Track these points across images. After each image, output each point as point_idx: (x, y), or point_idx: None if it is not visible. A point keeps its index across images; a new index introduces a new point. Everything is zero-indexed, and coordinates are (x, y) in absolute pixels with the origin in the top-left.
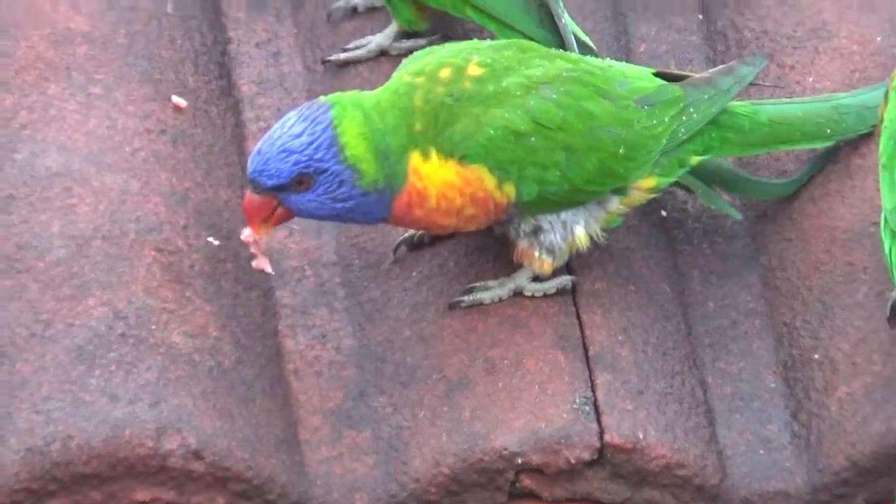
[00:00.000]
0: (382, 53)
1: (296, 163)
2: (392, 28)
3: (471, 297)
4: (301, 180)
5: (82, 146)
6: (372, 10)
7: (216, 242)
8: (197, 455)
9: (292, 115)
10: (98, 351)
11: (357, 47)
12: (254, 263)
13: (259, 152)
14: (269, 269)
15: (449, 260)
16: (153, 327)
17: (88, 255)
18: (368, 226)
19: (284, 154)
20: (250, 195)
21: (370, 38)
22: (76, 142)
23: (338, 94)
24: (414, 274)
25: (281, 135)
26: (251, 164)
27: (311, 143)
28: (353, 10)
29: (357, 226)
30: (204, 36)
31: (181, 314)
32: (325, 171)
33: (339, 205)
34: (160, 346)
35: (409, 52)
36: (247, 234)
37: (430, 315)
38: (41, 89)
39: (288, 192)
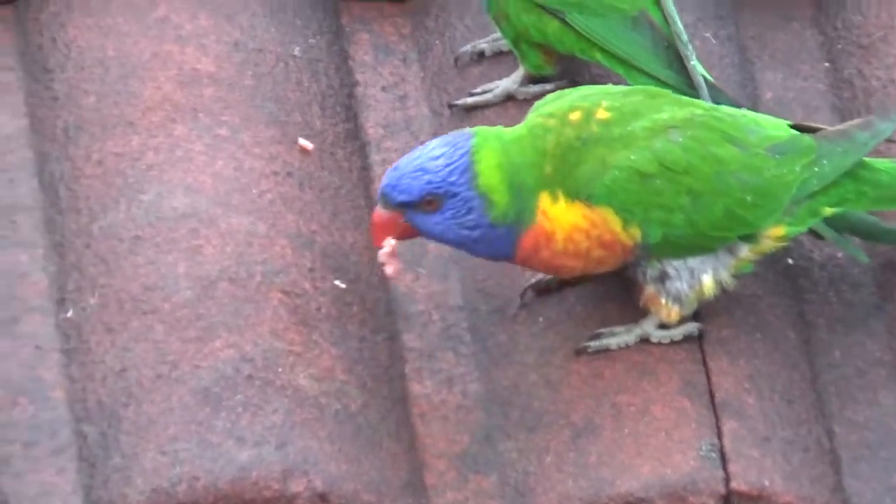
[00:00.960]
0: (509, 98)
1: (428, 182)
2: (519, 73)
3: (597, 343)
4: (430, 200)
5: (209, 187)
6: (499, 54)
7: (343, 285)
8: (323, 498)
9: (436, 140)
10: (224, 393)
11: (484, 91)
12: (387, 271)
13: (396, 168)
14: (395, 274)
15: (576, 305)
16: (280, 370)
17: (215, 296)
18: (494, 268)
19: (419, 172)
20: (379, 210)
21: (497, 82)
22: (203, 183)
23: (482, 126)
24: (541, 319)
25: (420, 155)
26: (386, 178)
27: (446, 166)
28: (481, 55)
29: (484, 270)
30: (331, 79)
31: (308, 357)
32: (455, 195)
33: (465, 232)
34: (287, 388)
35: (536, 96)
36: (384, 252)
37: (557, 360)
38: (168, 130)
39: (416, 211)
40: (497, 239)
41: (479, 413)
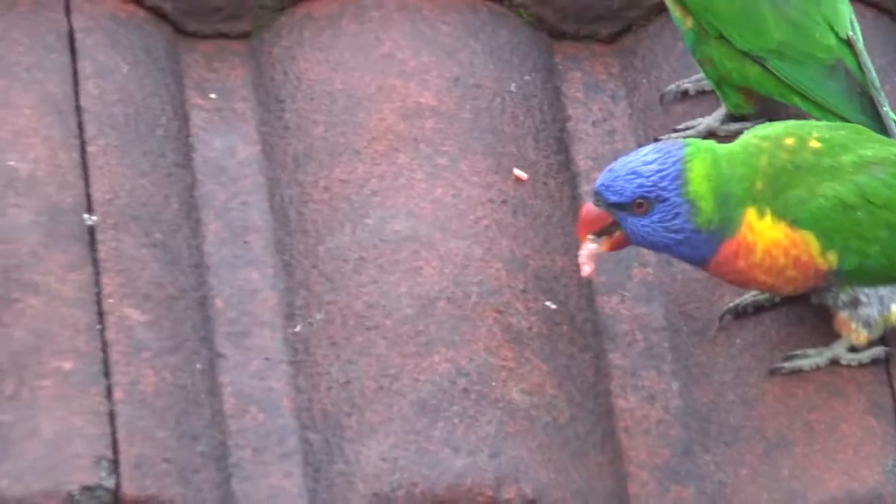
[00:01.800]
0: (711, 135)
1: (640, 185)
2: (721, 111)
3: (791, 364)
4: (641, 203)
5: (428, 213)
6: (702, 93)
7: (553, 306)
8: (532, 503)
9: (649, 147)
10: (441, 404)
11: (687, 128)
12: (584, 270)
13: (610, 170)
14: (590, 274)
15: (770, 329)
16: (493, 384)
17: (433, 314)
18: (694, 293)
19: (633, 176)
20: (589, 206)
21: (700, 119)
22: (423, 209)
23: (695, 139)
24: (738, 341)
25: (634, 160)
26: (600, 178)
27: (658, 172)
28: (685, 94)
29: (685, 294)
30: (544, 113)
31: (519, 372)
32: (665, 199)
33: (671, 235)
34: (500, 401)
35: (736, 134)
36: (584, 253)
37: (752, 379)
38: (391, 159)
39: (626, 213)
40: (699, 244)
41: (678, 428)
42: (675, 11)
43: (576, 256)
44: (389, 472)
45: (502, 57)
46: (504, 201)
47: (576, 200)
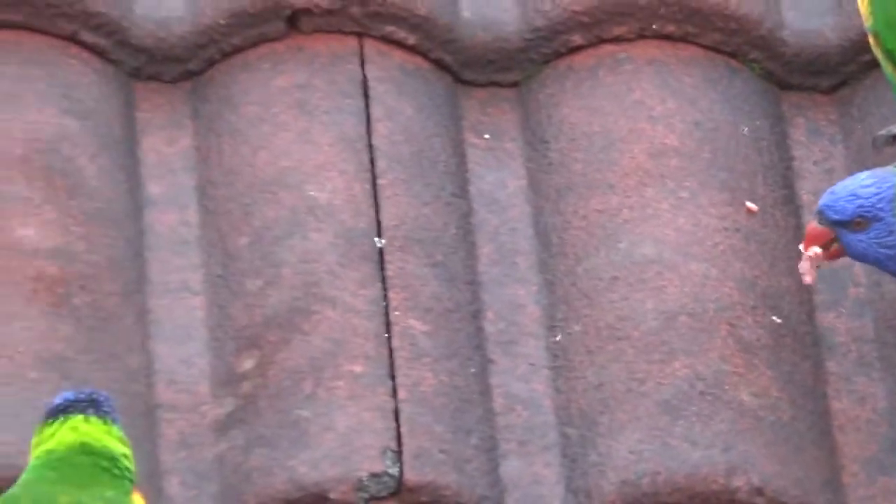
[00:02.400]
0: None
1: (859, 206)
2: None
3: None
4: (859, 221)
5: (672, 239)
6: None
7: (778, 321)
8: (759, 492)
9: (866, 172)
10: (681, 405)
11: None
12: (805, 279)
13: (832, 192)
14: (811, 282)
15: None
16: (726, 387)
17: (675, 327)
18: None
19: (852, 197)
20: (813, 224)
21: None
22: (667, 235)
23: None
24: None
25: (852, 183)
26: (823, 199)
27: (876, 194)
28: (894, 138)
29: (892, 311)
30: (772, 154)
31: (749, 378)
32: (881, 219)
33: (884, 251)
34: (731, 402)
35: None
36: (804, 265)
37: None
38: (640, 192)
39: (846, 229)
40: None
41: (885, 426)
42: (888, 68)
43: (798, 277)
44: (636, 462)
45: (736, 105)
46: (737, 229)
47: (799, 230)
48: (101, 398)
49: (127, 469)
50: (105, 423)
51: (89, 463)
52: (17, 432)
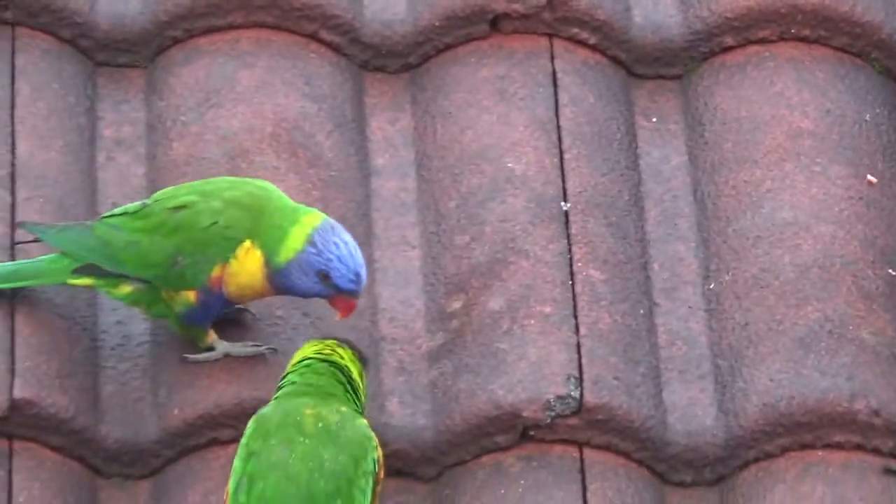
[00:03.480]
0: None
1: None
2: None
3: None
4: None
5: (806, 206)
6: None
7: (893, 273)
8: (876, 413)
9: None
10: (813, 342)
11: None
12: None
13: None
14: None
15: None
16: (850, 327)
17: (809, 277)
18: None
19: None
20: None
21: None
22: (802, 202)
23: None
24: None
25: None
26: None
27: None
28: None
29: None
30: (889, 136)
31: (868, 320)
32: None
33: None
34: (854, 340)
35: None
36: None
37: None
38: (780, 167)
39: None
40: None
41: None
42: None
43: None
44: (775, 388)
45: (860, 95)
46: (860, 198)
47: None
48: (361, 348)
49: (357, 393)
50: (354, 356)
51: (330, 373)
52: None
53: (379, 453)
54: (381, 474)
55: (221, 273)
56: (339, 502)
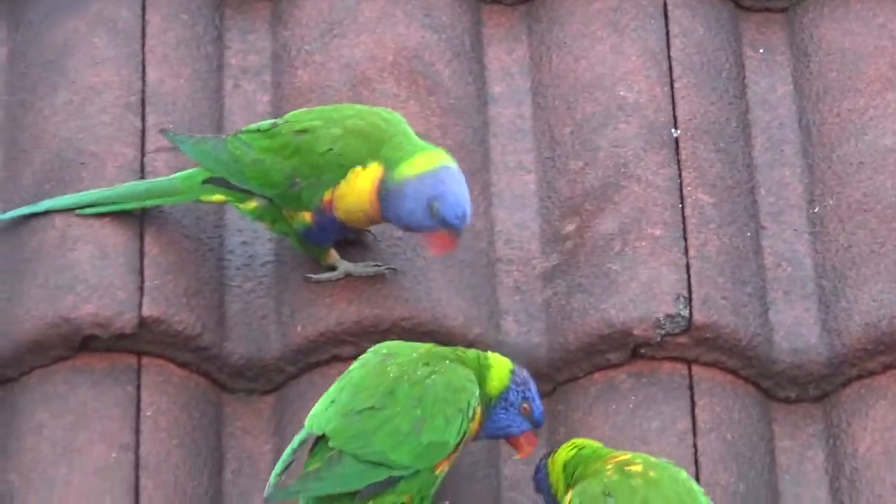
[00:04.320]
0: None
1: None
2: None
3: None
4: None
5: None
6: None
7: None
8: None
9: None
10: None
11: None
12: None
13: None
14: None
15: None
16: None
17: None
18: None
19: None
20: None
21: None
22: None
23: None
24: None
25: None
26: None
27: None
28: None
29: None
30: None
31: None
32: None
33: None
34: None
35: None
36: None
37: None
38: (882, 96)
39: None
40: None
41: None
42: None
43: None
44: (877, 308)
45: None
46: None
47: None
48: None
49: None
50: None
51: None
52: None
53: (478, 409)
54: (475, 426)
55: (332, 196)
56: (416, 409)
